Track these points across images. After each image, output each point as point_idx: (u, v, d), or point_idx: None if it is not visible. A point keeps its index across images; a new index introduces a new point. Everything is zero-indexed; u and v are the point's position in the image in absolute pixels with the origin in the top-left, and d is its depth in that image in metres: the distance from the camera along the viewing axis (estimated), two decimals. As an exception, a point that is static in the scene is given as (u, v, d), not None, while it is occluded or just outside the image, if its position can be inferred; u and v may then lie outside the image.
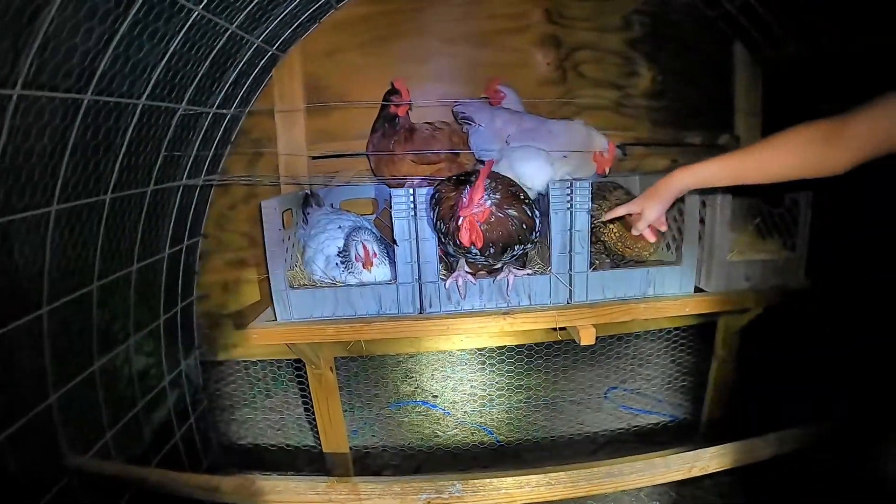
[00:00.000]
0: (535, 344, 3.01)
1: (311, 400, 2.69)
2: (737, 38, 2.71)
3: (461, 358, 3.21)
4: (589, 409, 3.18)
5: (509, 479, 1.68)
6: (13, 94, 1.27)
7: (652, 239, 1.73)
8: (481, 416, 3.15)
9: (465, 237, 1.63)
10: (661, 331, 3.05)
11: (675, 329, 3.01)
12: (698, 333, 2.94)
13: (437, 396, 3.23)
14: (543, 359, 3.16)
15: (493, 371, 3.23)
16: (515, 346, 3.06)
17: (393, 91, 2.31)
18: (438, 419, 3.13)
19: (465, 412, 3.16)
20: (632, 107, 2.73)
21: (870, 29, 1.88)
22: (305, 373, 2.66)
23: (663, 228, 1.70)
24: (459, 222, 1.61)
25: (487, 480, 1.67)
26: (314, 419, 2.76)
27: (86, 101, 1.52)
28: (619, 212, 1.72)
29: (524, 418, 3.15)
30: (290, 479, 1.74)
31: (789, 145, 1.38)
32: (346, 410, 2.77)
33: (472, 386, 3.22)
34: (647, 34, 2.70)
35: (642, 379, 3.28)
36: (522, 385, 3.26)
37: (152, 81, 1.73)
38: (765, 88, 2.81)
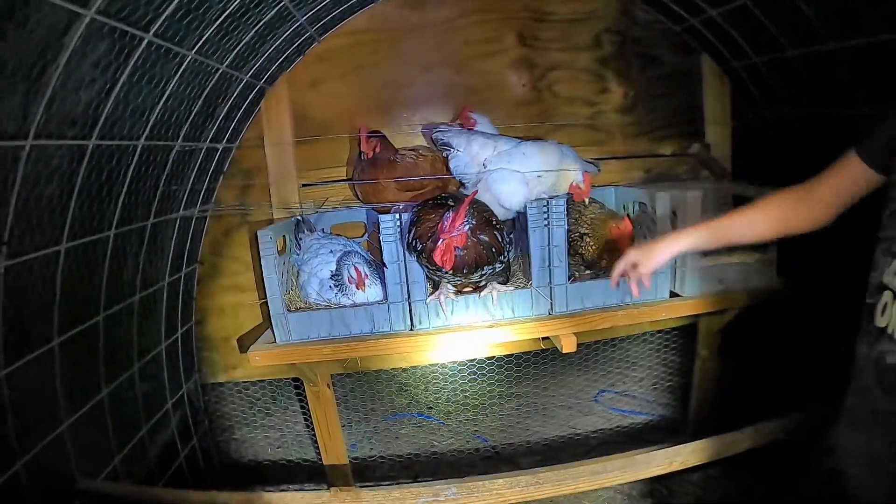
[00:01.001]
0: (524, 353, 3.05)
1: (310, 416, 2.75)
2: (703, 50, 2.79)
3: (453, 370, 3.22)
4: (580, 413, 3.23)
5: (500, 481, 1.79)
6: (26, 144, 1.36)
7: (636, 294, 1.76)
8: (475, 425, 3.20)
9: (437, 256, 1.78)
10: (645, 334, 3.11)
11: (660, 332, 3.06)
12: (682, 335, 3.01)
13: (431, 408, 3.28)
14: (534, 366, 3.22)
15: (485, 381, 3.26)
16: (505, 355, 3.10)
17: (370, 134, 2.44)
18: (434, 429, 3.18)
19: (459, 421, 3.21)
20: (605, 122, 2.81)
21: (826, 37, 1.99)
22: (304, 390, 2.71)
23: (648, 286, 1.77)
24: (438, 243, 1.74)
25: (480, 483, 1.79)
26: (314, 435, 2.83)
27: (90, 146, 1.61)
28: (619, 269, 1.75)
29: (517, 424, 3.21)
30: (294, 492, 1.83)
31: (767, 210, 1.51)
32: (344, 425, 2.84)
33: (465, 396, 3.26)
34: (616, 52, 2.78)
35: (631, 381, 3.33)
36: (514, 393, 3.31)
37: (151, 123, 1.83)
38: (733, 97, 2.88)
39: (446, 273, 1.84)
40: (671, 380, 3.20)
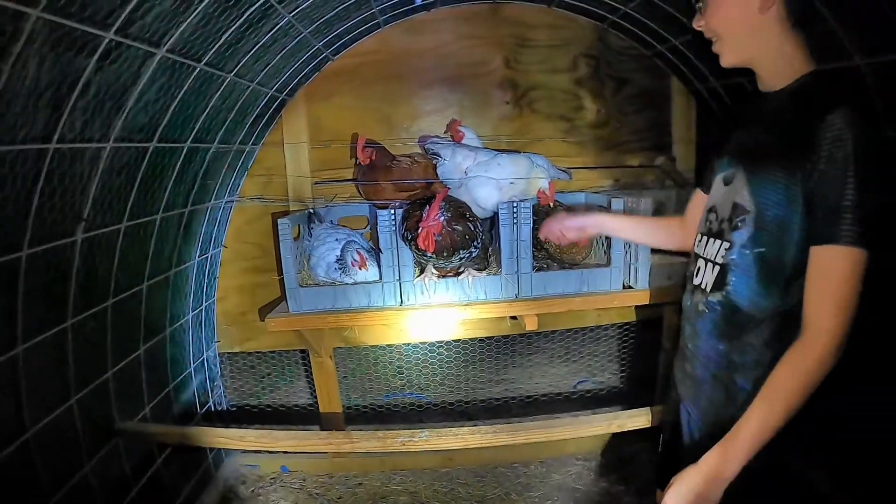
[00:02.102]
0: (513, 343, 3.37)
1: (313, 388, 3.08)
2: (672, 73, 2.98)
3: (446, 356, 3.39)
4: (560, 399, 3.44)
5: (464, 429, 2.10)
6: (107, 146, 1.72)
7: (555, 232, 2.08)
8: (464, 406, 3.42)
9: (421, 242, 2.17)
10: (624, 326, 3.33)
11: (632, 325, 3.30)
12: (653, 329, 3.17)
13: (423, 389, 3.49)
14: (520, 356, 3.51)
15: (475, 367, 3.46)
16: (494, 343, 3.39)
17: (368, 144, 2.69)
18: (425, 408, 3.41)
19: (449, 403, 3.41)
20: (579, 136, 3.06)
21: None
22: (310, 363, 3.03)
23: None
24: (419, 231, 2.14)
25: (447, 429, 2.10)
26: (316, 406, 3.12)
27: (151, 148, 1.95)
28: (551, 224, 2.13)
29: (502, 406, 3.45)
30: (301, 430, 2.18)
31: (665, 225, 1.96)
32: (343, 401, 3.11)
33: (456, 380, 3.46)
34: (591, 73, 3.02)
35: (608, 372, 3.56)
36: (502, 379, 3.55)
37: (195, 129, 2.16)
38: (698, 115, 3.08)
39: (430, 256, 2.21)
40: (643, 370, 3.35)
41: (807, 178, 1.22)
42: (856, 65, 1.78)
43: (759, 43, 1.38)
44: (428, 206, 2.17)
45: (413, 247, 2.25)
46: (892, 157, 1.64)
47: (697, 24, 1.47)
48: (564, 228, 2.02)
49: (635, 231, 2.08)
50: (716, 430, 1.36)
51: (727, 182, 1.48)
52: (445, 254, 2.21)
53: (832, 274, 1.21)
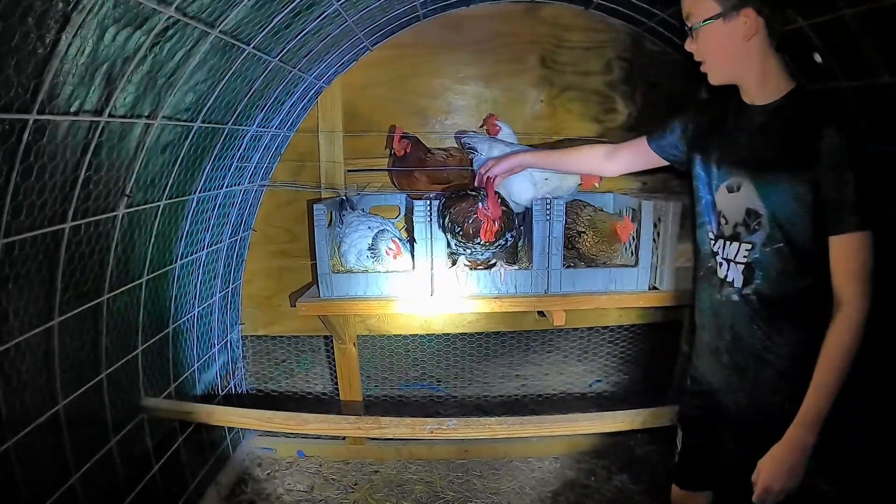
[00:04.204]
0: (530, 339, 3.40)
1: (334, 373, 3.13)
2: (704, 77, 3.06)
3: (463, 349, 3.46)
4: (575, 398, 3.48)
5: (493, 419, 2.15)
6: (155, 122, 1.75)
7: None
8: (479, 399, 3.47)
9: (483, 233, 2.20)
10: (638, 329, 3.37)
11: (646, 324, 3.31)
12: (670, 332, 3.22)
13: (440, 381, 3.55)
14: (536, 353, 3.54)
15: (492, 362, 3.55)
16: (511, 336, 3.43)
17: (404, 135, 2.73)
18: (441, 399, 3.46)
19: (464, 395, 3.47)
20: (610, 138, 2.97)
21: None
22: (331, 349, 3.08)
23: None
24: (481, 224, 2.19)
25: (476, 420, 2.15)
26: (336, 391, 3.20)
27: (195, 127, 1.99)
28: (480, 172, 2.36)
29: (517, 402, 3.47)
30: (330, 415, 2.21)
31: (588, 154, 2.19)
32: (362, 389, 3.18)
33: (472, 373, 3.52)
34: (624, 77, 3.02)
35: (624, 373, 3.56)
36: (518, 374, 3.58)
37: (237, 111, 2.19)
38: None
39: (482, 244, 2.24)
40: (658, 373, 3.38)
41: (814, 182, 1.44)
42: (841, 86, 2.07)
43: (743, 66, 1.56)
44: (480, 203, 2.18)
45: (460, 235, 2.25)
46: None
47: (689, 47, 1.63)
48: (492, 173, 2.28)
49: (560, 161, 2.32)
50: (770, 409, 1.58)
51: (731, 190, 1.64)
52: (493, 241, 2.24)
53: (852, 256, 1.44)
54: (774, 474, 1.49)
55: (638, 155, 2.05)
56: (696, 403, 1.91)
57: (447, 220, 2.29)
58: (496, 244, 2.25)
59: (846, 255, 1.45)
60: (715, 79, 1.63)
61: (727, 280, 1.67)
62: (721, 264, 1.69)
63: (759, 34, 1.51)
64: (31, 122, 1.30)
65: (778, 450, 1.50)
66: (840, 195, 1.43)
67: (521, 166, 2.32)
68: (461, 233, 2.24)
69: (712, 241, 1.72)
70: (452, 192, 2.36)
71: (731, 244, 1.65)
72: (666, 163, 1.99)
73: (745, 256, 1.61)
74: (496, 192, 2.23)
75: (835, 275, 1.47)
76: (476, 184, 2.31)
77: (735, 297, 1.66)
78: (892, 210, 1.66)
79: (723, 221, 1.68)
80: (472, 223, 2.21)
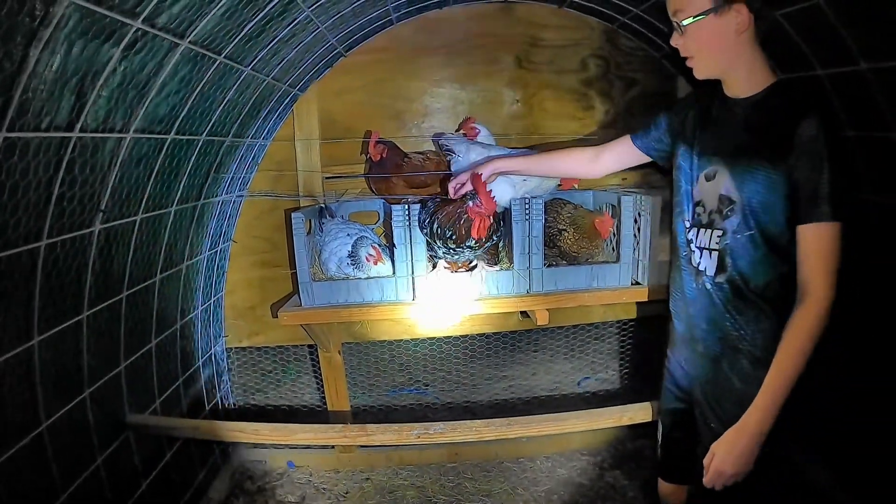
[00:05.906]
0: (516, 339, 3.37)
1: (321, 384, 3.11)
2: (679, 74, 2.96)
3: (449, 352, 3.46)
4: (564, 396, 3.48)
5: (479, 421, 2.13)
6: (127, 136, 1.72)
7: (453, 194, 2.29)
8: (467, 402, 3.46)
9: (475, 231, 2.22)
10: (627, 324, 3.37)
11: (630, 320, 3.32)
12: (657, 327, 3.17)
13: (427, 385, 3.52)
14: (522, 353, 3.51)
15: (479, 363, 3.51)
16: (498, 338, 3.38)
17: (379, 140, 2.70)
18: (429, 404, 3.44)
19: (452, 398, 3.45)
20: (588, 136, 3.04)
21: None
22: (317, 359, 3.04)
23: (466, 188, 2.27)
24: (470, 223, 2.20)
25: (463, 422, 2.13)
26: (324, 401, 3.18)
27: (168, 140, 1.96)
28: (459, 180, 2.31)
29: (505, 403, 3.47)
30: (316, 424, 2.19)
31: (571, 157, 2.20)
32: (350, 398, 3.18)
33: (459, 376, 3.49)
34: (600, 74, 3.02)
35: (611, 370, 3.56)
36: (505, 375, 3.55)
37: (211, 122, 2.16)
38: None
39: (474, 243, 2.26)
40: (644, 367, 3.38)
41: (790, 171, 1.47)
42: (817, 74, 2.06)
43: (733, 60, 1.58)
44: (470, 202, 2.19)
45: (452, 240, 2.25)
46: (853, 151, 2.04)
47: (675, 42, 1.64)
48: (466, 183, 2.26)
49: (538, 165, 2.32)
50: (744, 398, 1.56)
51: (709, 178, 1.67)
52: (485, 238, 2.26)
53: (820, 246, 1.46)
54: (726, 458, 1.52)
55: (623, 154, 2.08)
56: (673, 396, 1.94)
57: (435, 226, 2.28)
58: (487, 243, 2.26)
59: (816, 244, 1.47)
60: (702, 73, 1.64)
61: (700, 268, 1.71)
62: (695, 252, 1.72)
63: (749, 28, 1.53)
64: (0, 139, 1.28)
65: (731, 434, 1.53)
66: (814, 185, 1.44)
67: (496, 172, 2.31)
68: (454, 237, 2.25)
69: (688, 230, 1.75)
70: (434, 199, 2.37)
71: (704, 231, 1.69)
72: (651, 160, 2.02)
73: (717, 243, 1.64)
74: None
75: (803, 264, 1.49)
76: (451, 196, 2.30)
77: (708, 286, 1.68)
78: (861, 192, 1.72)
79: (700, 210, 1.71)
80: (463, 224, 2.23)
